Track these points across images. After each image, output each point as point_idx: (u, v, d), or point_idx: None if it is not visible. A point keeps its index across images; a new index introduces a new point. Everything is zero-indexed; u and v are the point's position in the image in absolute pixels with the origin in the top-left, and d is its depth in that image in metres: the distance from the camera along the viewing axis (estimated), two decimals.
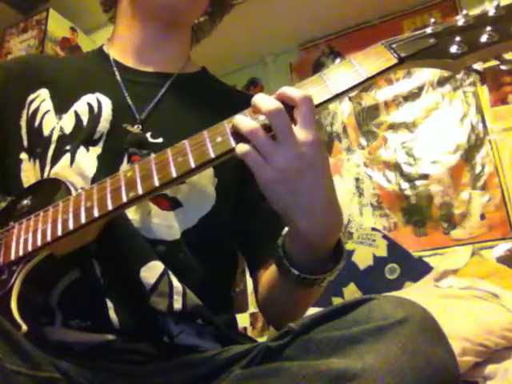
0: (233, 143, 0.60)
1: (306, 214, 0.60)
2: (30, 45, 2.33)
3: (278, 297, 0.77)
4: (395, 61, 0.61)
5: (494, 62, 0.61)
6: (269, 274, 0.79)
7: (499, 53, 0.60)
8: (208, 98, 0.90)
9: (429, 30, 0.62)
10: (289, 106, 0.59)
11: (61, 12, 2.38)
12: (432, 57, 0.62)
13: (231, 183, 0.83)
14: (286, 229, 0.67)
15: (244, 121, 0.59)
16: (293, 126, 0.58)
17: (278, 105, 0.58)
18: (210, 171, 0.80)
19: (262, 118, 0.59)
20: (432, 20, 0.63)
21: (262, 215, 0.83)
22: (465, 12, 0.62)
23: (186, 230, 0.77)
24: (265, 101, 0.59)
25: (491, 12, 0.60)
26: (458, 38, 0.60)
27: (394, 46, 0.62)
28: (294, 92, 0.59)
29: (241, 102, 0.91)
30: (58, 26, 2.36)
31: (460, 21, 0.61)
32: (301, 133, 0.58)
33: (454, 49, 0.60)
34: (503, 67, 0.60)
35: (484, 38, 0.59)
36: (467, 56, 0.60)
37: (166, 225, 0.76)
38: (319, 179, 0.60)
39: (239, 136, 0.59)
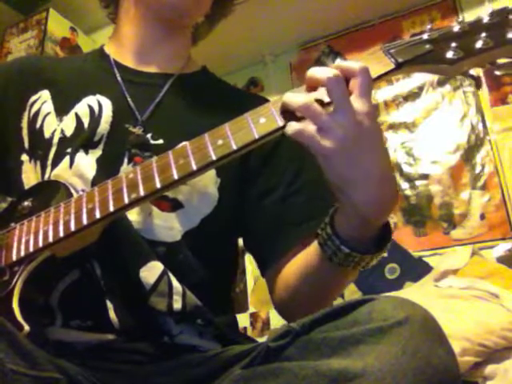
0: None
1: (364, 185, 0.59)
2: (30, 45, 2.32)
3: (310, 286, 0.74)
4: (392, 66, 0.62)
5: None
6: (297, 263, 0.77)
7: (494, 58, 0.61)
8: (209, 98, 0.90)
9: (425, 36, 0.63)
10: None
11: (61, 12, 2.38)
12: (428, 62, 0.62)
13: (234, 182, 0.83)
14: (332, 209, 0.66)
15: (295, 97, 0.59)
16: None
17: (336, 72, 0.58)
18: (212, 171, 0.80)
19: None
20: (428, 26, 0.64)
21: (268, 211, 0.83)
22: (461, 19, 0.63)
23: (188, 231, 0.77)
24: (322, 70, 0.58)
25: (486, 19, 0.61)
26: (453, 44, 0.61)
27: (391, 51, 0.63)
28: (351, 64, 0.59)
29: (242, 100, 0.91)
30: (58, 26, 2.36)
31: (456, 27, 0.62)
32: (357, 102, 0.58)
33: (450, 54, 0.61)
34: (498, 73, 0.61)
35: (479, 44, 0.60)
36: (463, 62, 0.61)
37: (167, 226, 0.76)
38: (376, 149, 0.60)
39: (286, 116, 0.59)
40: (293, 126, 0.58)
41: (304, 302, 0.78)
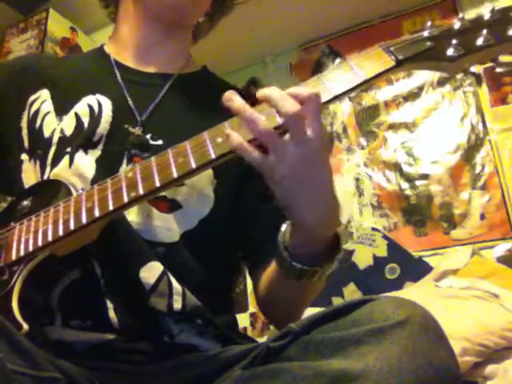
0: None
1: (313, 207, 0.62)
2: (30, 45, 2.32)
3: (278, 295, 0.77)
4: (393, 63, 0.62)
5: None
6: (268, 273, 0.79)
7: (495, 55, 0.61)
8: (209, 98, 0.90)
9: (426, 33, 0.63)
10: None
11: (61, 12, 2.38)
12: (429, 59, 0.63)
13: (231, 184, 0.83)
14: (285, 226, 0.69)
15: (258, 120, 0.59)
16: None
17: (298, 108, 0.58)
18: (209, 173, 0.80)
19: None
20: (429, 23, 0.64)
21: (260, 216, 0.83)
22: (461, 15, 0.63)
23: (186, 232, 0.77)
24: (285, 101, 0.59)
25: (487, 16, 0.61)
26: (454, 41, 0.61)
27: (391, 48, 0.63)
28: (301, 90, 0.59)
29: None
30: (57, 26, 2.36)
31: (456, 24, 0.62)
32: (309, 129, 0.59)
33: (450, 51, 0.61)
34: (499, 70, 0.61)
35: (480, 41, 0.60)
36: (464, 58, 0.61)
37: (165, 227, 0.76)
38: (324, 173, 0.62)
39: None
40: (249, 152, 0.59)
41: (274, 311, 0.82)
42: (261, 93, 0.61)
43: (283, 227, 0.69)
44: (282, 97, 0.59)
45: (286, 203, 0.63)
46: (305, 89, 0.60)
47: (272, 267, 0.76)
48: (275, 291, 0.77)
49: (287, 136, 0.59)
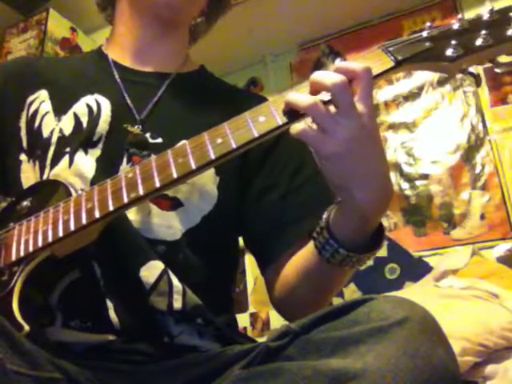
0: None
1: (365, 184, 0.60)
2: (30, 45, 2.33)
3: (310, 286, 0.75)
4: (392, 64, 0.62)
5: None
6: (296, 262, 0.77)
7: (494, 56, 0.62)
8: (207, 97, 0.90)
9: (425, 34, 0.63)
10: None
11: (61, 12, 2.38)
12: (428, 60, 0.63)
13: (234, 181, 0.83)
14: (327, 212, 0.67)
15: (301, 97, 0.58)
16: None
17: (343, 78, 0.57)
18: (211, 170, 0.80)
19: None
20: (428, 24, 0.64)
21: (268, 209, 0.83)
22: (460, 16, 0.63)
23: (189, 229, 0.77)
24: (328, 75, 0.58)
25: (486, 16, 0.61)
26: (453, 42, 0.61)
27: (390, 49, 0.63)
28: (354, 65, 0.59)
29: (241, 99, 0.91)
30: (58, 25, 2.36)
31: (455, 25, 0.63)
32: (360, 105, 0.58)
33: (449, 52, 0.61)
34: (497, 70, 0.61)
35: (479, 42, 0.60)
36: (463, 59, 0.61)
37: (167, 225, 0.76)
38: (377, 149, 0.61)
39: (290, 115, 0.59)
40: (297, 127, 0.59)
41: (303, 301, 0.78)
42: (309, 80, 0.60)
43: (325, 214, 0.67)
44: (325, 73, 0.58)
45: (335, 181, 0.61)
46: (355, 63, 0.59)
47: (302, 255, 0.75)
48: (307, 281, 0.74)
49: (335, 109, 0.58)
